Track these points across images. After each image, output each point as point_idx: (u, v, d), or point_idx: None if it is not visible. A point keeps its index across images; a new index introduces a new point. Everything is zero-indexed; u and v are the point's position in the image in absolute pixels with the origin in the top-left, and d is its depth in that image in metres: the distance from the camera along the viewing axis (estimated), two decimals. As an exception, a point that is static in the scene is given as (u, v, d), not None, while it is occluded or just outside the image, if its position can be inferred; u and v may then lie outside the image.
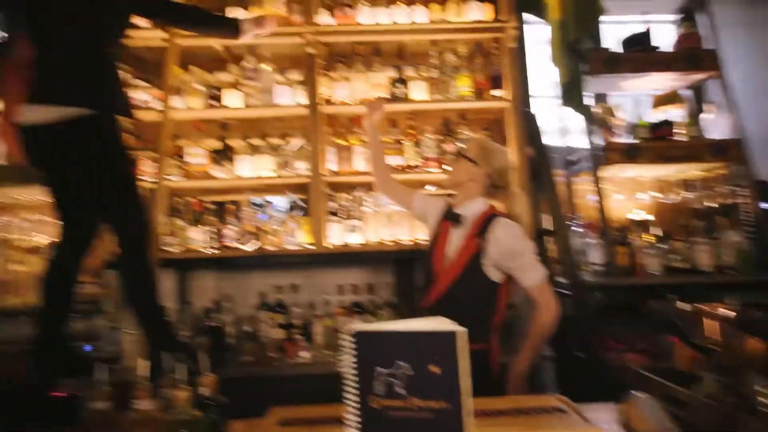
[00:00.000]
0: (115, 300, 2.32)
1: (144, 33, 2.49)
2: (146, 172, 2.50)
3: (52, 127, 1.68)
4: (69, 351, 1.82)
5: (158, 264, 2.25)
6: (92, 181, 1.75)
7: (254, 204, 2.62)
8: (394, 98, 2.54)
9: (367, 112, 1.98)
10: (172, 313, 2.45)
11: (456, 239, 1.71)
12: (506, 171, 1.77)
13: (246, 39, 2.16)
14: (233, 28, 2.10)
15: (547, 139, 2.72)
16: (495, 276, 1.65)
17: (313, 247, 2.47)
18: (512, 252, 1.63)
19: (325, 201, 2.49)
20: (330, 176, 2.53)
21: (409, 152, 2.53)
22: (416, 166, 2.54)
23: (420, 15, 2.56)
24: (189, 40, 2.54)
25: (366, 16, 2.57)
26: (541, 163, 2.60)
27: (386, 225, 2.48)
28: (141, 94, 2.54)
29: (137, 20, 2.24)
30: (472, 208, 1.72)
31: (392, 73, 2.61)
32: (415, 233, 2.48)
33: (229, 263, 2.64)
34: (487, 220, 1.68)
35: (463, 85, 2.57)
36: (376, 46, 2.61)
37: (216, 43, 2.60)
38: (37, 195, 2.96)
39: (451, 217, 1.74)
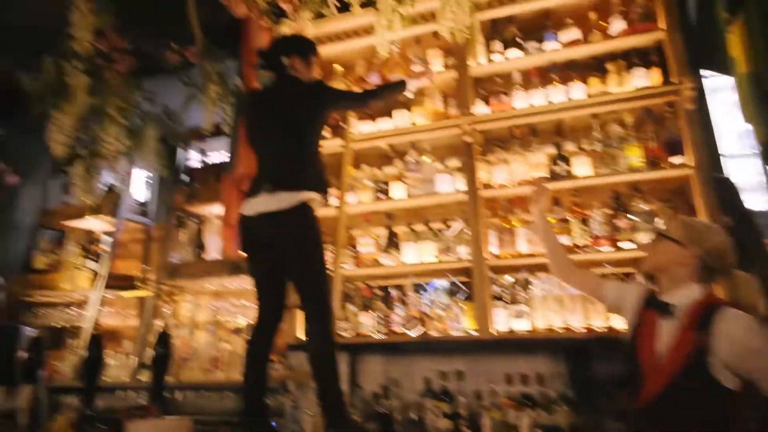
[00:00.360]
0: (297, 380, 2.53)
1: (325, 142, 2.89)
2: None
3: (264, 216, 1.98)
4: (266, 425, 2.01)
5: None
6: (294, 263, 2.00)
7: (418, 289, 2.69)
8: (556, 176, 2.46)
9: (531, 196, 1.92)
10: (346, 396, 2.57)
11: (667, 333, 1.48)
12: (724, 251, 1.51)
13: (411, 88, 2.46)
14: (402, 86, 2.42)
15: (749, 204, 2.30)
16: (728, 380, 1.36)
17: (477, 333, 2.40)
18: (751, 352, 1.35)
19: (489, 285, 2.44)
20: (492, 260, 2.49)
21: (576, 231, 2.37)
22: (585, 246, 2.36)
23: (576, 91, 2.51)
24: (360, 143, 2.87)
25: (521, 100, 2.61)
26: (744, 233, 2.19)
27: (556, 310, 2.30)
28: (321, 194, 2.91)
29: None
30: (684, 295, 1.49)
31: (551, 151, 2.55)
32: (589, 319, 2.25)
33: (395, 348, 2.71)
34: (707, 310, 1.43)
35: (633, 155, 2.37)
36: (533, 126, 2.61)
37: (382, 143, 2.89)
38: (242, 283, 3.51)
39: (657, 307, 1.53)
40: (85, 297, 3.96)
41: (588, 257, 2.36)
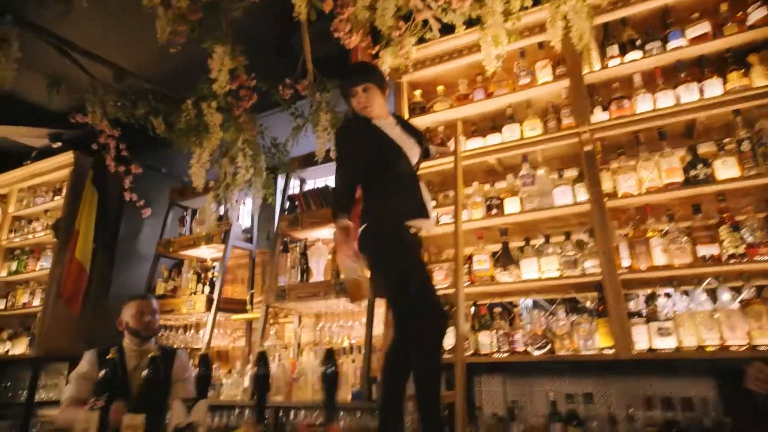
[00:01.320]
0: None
1: (430, 161, 2.89)
2: (438, 281, 2.76)
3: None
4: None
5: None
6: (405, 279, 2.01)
7: (539, 306, 2.57)
8: (694, 181, 2.27)
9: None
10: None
11: None
12: None
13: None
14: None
15: None
16: None
17: (611, 351, 2.23)
18: None
19: (622, 300, 2.27)
20: (625, 273, 2.32)
21: (726, 239, 2.14)
22: (739, 255, 2.12)
23: (711, 88, 2.32)
24: (469, 159, 2.83)
25: (645, 103, 2.46)
26: None
27: (709, 326, 2.08)
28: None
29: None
30: None
31: (685, 154, 2.36)
32: (754, 337, 2.00)
33: (515, 368, 2.59)
34: None
35: (792, 152, 2.12)
36: (661, 129, 2.43)
37: (492, 158, 2.84)
38: (348, 304, 3.55)
39: None
40: (199, 320, 4.21)
41: (741, 267, 2.13)
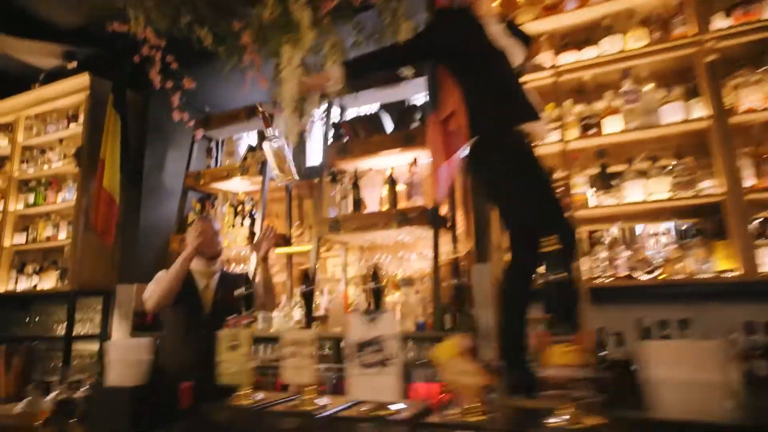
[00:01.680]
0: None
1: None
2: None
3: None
4: (525, 369, 1.87)
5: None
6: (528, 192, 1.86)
7: (648, 231, 2.45)
8: (835, 93, 2.11)
9: None
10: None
11: None
12: None
13: None
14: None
15: None
16: None
17: (734, 274, 2.15)
18: None
19: (747, 221, 2.15)
20: (749, 192, 2.19)
21: None
22: None
23: None
24: (566, 74, 2.61)
25: (775, 9, 2.25)
26: None
27: None
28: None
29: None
30: None
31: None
32: None
33: (603, 294, 2.50)
34: None
35: None
36: (794, 38, 2.24)
37: (587, 74, 2.62)
38: (408, 235, 3.42)
39: None
40: (237, 254, 4.03)
41: None
